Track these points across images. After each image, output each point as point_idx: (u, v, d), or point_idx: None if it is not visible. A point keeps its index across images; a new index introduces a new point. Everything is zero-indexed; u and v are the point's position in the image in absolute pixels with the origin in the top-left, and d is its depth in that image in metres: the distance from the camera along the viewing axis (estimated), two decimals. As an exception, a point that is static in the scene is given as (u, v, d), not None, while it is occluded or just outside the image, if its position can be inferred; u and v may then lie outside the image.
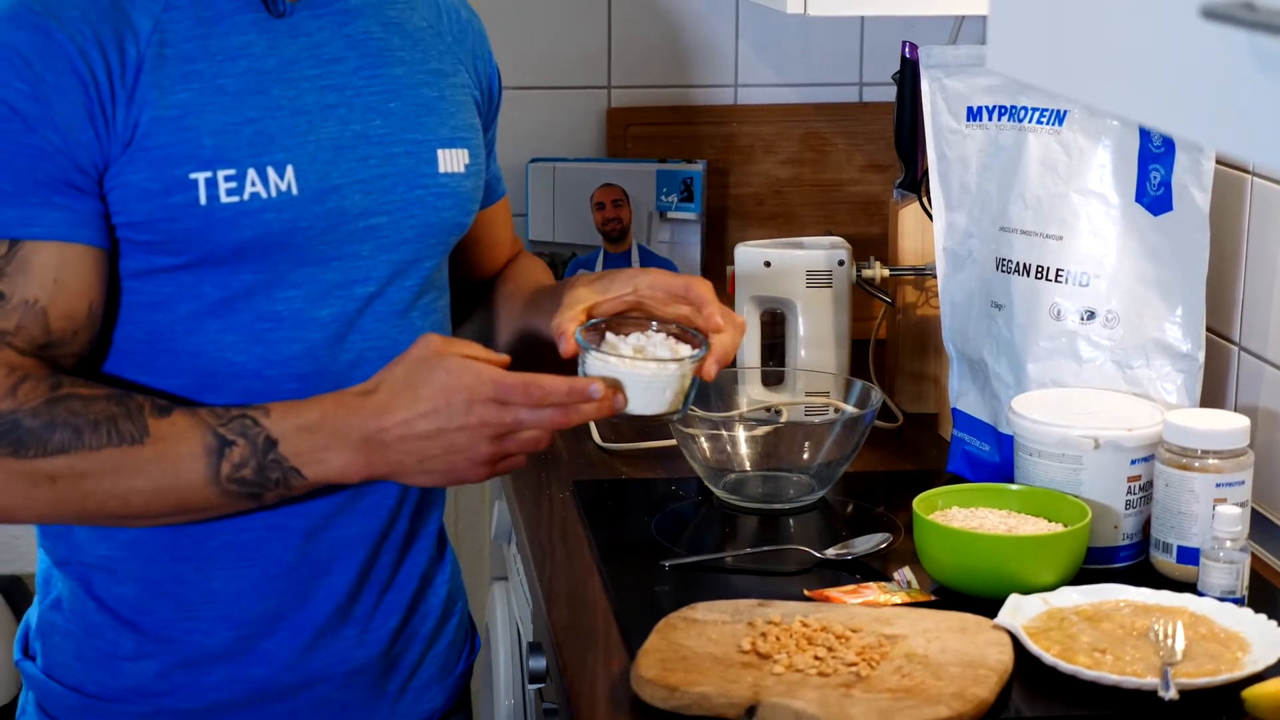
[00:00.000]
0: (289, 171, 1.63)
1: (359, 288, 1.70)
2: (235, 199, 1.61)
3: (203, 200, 1.60)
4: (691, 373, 1.69)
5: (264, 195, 1.62)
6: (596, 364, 1.66)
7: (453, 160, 1.76)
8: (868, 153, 2.86)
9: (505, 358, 1.60)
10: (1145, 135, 1.93)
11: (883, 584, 1.81)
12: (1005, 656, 1.62)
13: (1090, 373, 2.00)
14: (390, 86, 1.72)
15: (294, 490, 1.59)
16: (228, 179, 1.60)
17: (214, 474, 1.56)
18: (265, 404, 1.60)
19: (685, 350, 1.70)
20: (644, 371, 1.66)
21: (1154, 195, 1.95)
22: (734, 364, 2.26)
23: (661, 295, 1.75)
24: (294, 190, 1.63)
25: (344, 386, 1.67)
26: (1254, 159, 0.98)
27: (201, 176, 1.60)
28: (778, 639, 1.64)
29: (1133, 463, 1.85)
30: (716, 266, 2.73)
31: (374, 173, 1.69)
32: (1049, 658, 1.60)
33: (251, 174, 1.61)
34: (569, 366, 1.71)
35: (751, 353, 2.36)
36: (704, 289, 1.74)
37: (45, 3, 1.57)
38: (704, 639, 1.65)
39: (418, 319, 1.75)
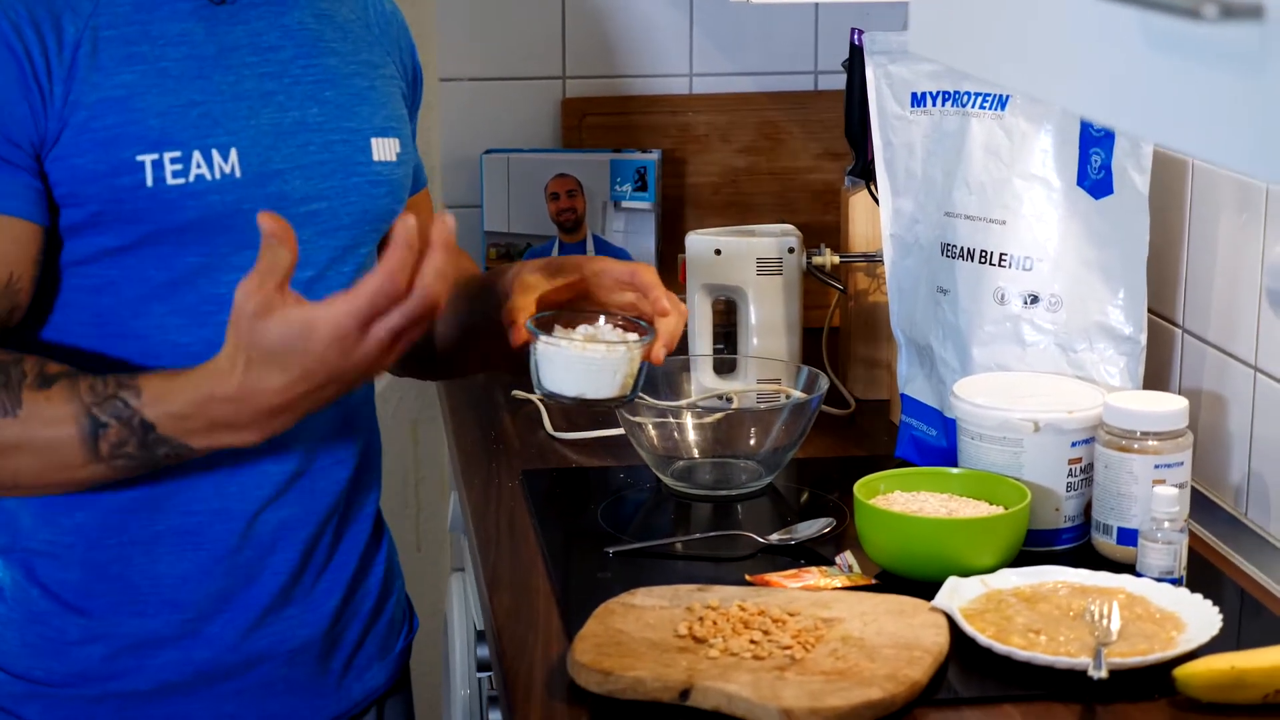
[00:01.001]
0: (233, 154, 1.64)
1: (299, 272, 1.68)
2: (181, 180, 1.62)
3: (149, 182, 1.61)
4: (640, 357, 1.72)
5: (209, 177, 1.63)
6: (548, 350, 1.69)
7: (385, 149, 1.77)
8: (823, 141, 2.86)
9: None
10: (1086, 120, 1.94)
11: (824, 568, 1.82)
12: (941, 638, 1.62)
13: (1034, 356, 2.00)
14: (325, 76, 1.74)
15: (196, 454, 1.58)
16: (173, 160, 1.61)
17: (93, 453, 1.55)
18: (138, 381, 1.56)
19: (633, 337, 1.72)
20: (595, 355, 1.70)
21: (1095, 179, 1.96)
22: (685, 352, 2.27)
23: (609, 282, 1.77)
24: (237, 173, 1.64)
25: None
26: (1149, 136, 0.99)
27: (148, 158, 1.60)
28: (714, 623, 1.65)
29: (1073, 445, 1.85)
30: (671, 256, 2.73)
31: (313, 159, 1.71)
32: (984, 639, 1.61)
33: (197, 156, 1.62)
34: (518, 356, 1.73)
35: (703, 341, 2.36)
36: (649, 275, 1.77)
37: None
38: (641, 624, 1.65)
39: None
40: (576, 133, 2.84)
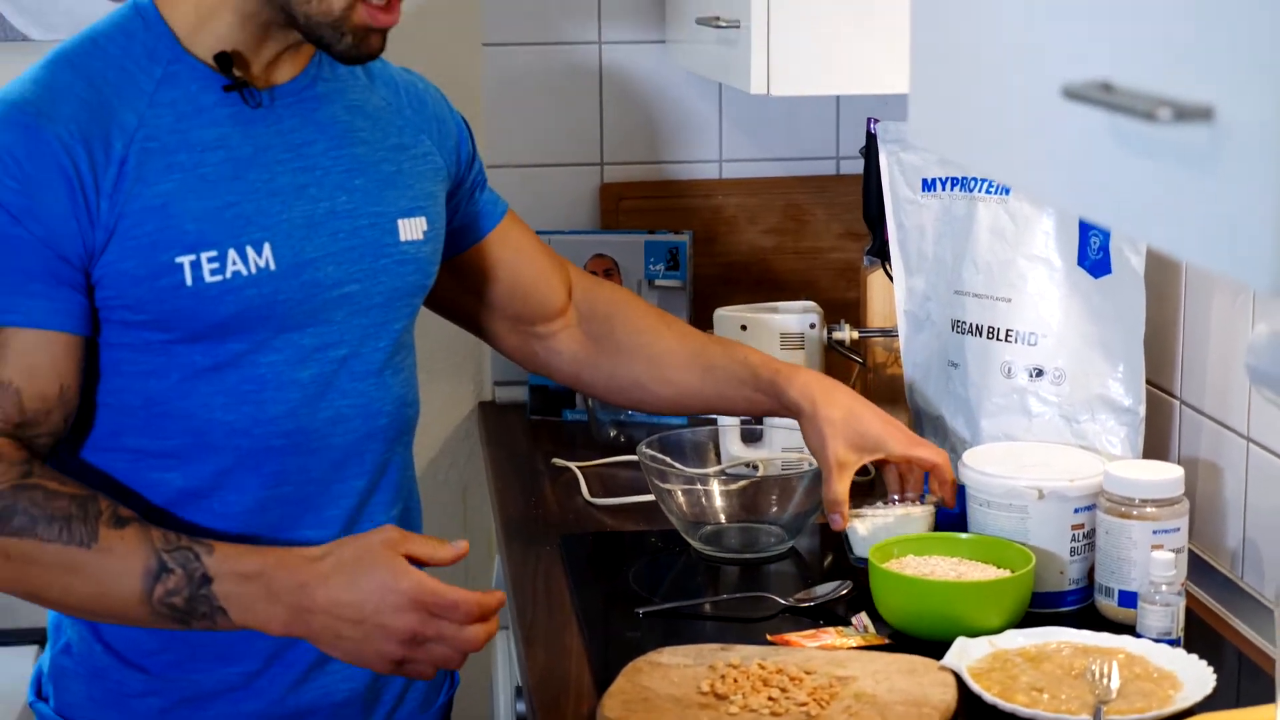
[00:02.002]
0: (266, 249, 1.65)
1: (334, 350, 1.71)
2: (219, 278, 1.62)
3: (189, 281, 1.61)
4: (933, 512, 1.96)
5: (245, 272, 1.63)
6: (866, 522, 1.94)
7: (412, 228, 1.78)
8: (844, 221, 2.85)
9: (462, 548, 1.59)
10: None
11: (840, 628, 1.81)
12: (949, 696, 1.61)
13: (1040, 427, 1.99)
14: (355, 164, 1.74)
15: (218, 627, 1.57)
16: (210, 260, 1.62)
17: (147, 594, 1.55)
18: (214, 541, 1.58)
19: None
20: (911, 516, 1.93)
21: (1094, 259, 1.95)
22: (714, 421, 2.27)
23: (916, 469, 1.96)
24: (272, 266, 1.65)
25: (328, 444, 1.70)
26: (1117, 228, 0.98)
27: (186, 260, 1.61)
28: (735, 681, 1.64)
29: (1075, 511, 1.84)
30: (704, 330, 2.73)
31: (343, 245, 1.71)
32: (989, 697, 1.60)
33: (232, 254, 1.63)
34: None
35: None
36: (949, 470, 1.94)
37: (38, 104, 1.59)
38: (666, 681, 1.65)
39: (389, 377, 1.77)
40: (614, 215, 2.85)
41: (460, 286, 1.97)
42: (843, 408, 1.91)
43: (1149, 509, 1.78)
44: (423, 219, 1.79)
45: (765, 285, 2.84)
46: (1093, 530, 1.84)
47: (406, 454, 1.83)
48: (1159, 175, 0.90)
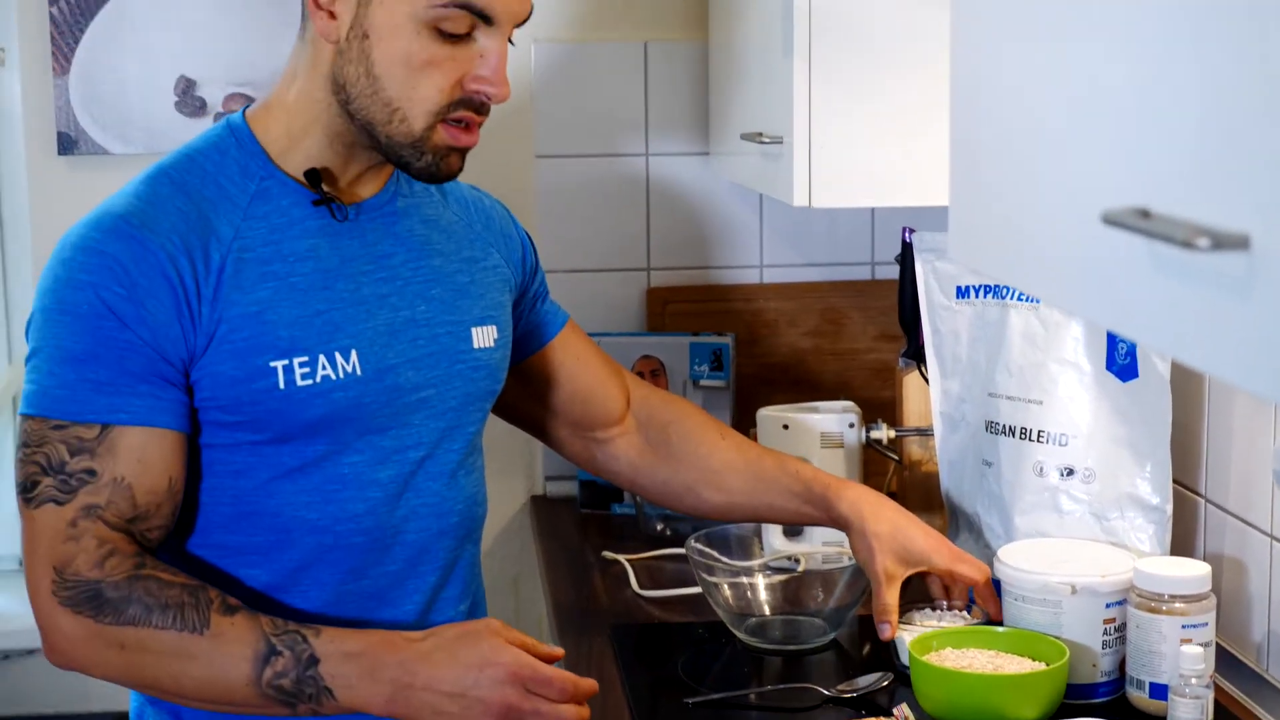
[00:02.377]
0: (353, 355, 1.68)
1: (412, 451, 1.74)
2: (309, 382, 1.65)
3: (281, 385, 1.64)
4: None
5: (333, 377, 1.66)
6: (909, 632, 1.93)
7: (484, 336, 1.81)
8: (880, 324, 2.87)
9: (558, 651, 1.62)
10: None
11: (882, 718, 1.82)
12: (988, 784, 1.62)
13: (1071, 524, 2.00)
14: (432, 275, 1.77)
15: (323, 710, 1.58)
16: (302, 365, 1.65)
17: (256, 677, 1.56)
18: (321, 626, 1.60)
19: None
20: (957, 622, 1.96)
21: (1122, 364, 1.97)
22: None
23: (959, 584, 1.98)
24: (358, 371, 1.68)
25: (402, 541, 1.73)
26: (1154, 347, 1.00)
27: (280, 364, 1.64)
28: (782, 769, 1.65)
29: (1107, 606, 1.85)
30: (743, 429, 2.74)
31: (422, 351, 1.74)
32: (1026, 785, 1.60)
33: (322, 359, 1.66)
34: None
35: (773, 507, 2.37)
36: (990, 586, 1.95)
37: (142, 217, 1.63)
38: (716, 769, 1.66)
39: (462, 477, 1.79)
40: (660, 318, 2.87)
41: (524, 392, 1.99)
42: (889, 522, 1.94)
43: (1178, 604, 1.79)
44: (494, 327, 1.82)
45: (804, 385, 2.86)
46: (1124, 624, 1.84)
47: (475, 550, 1.85)
48: (1196, 299, 0.92)
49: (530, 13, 1.68)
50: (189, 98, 2.77)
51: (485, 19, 1.63)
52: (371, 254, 1.73)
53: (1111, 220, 0.98)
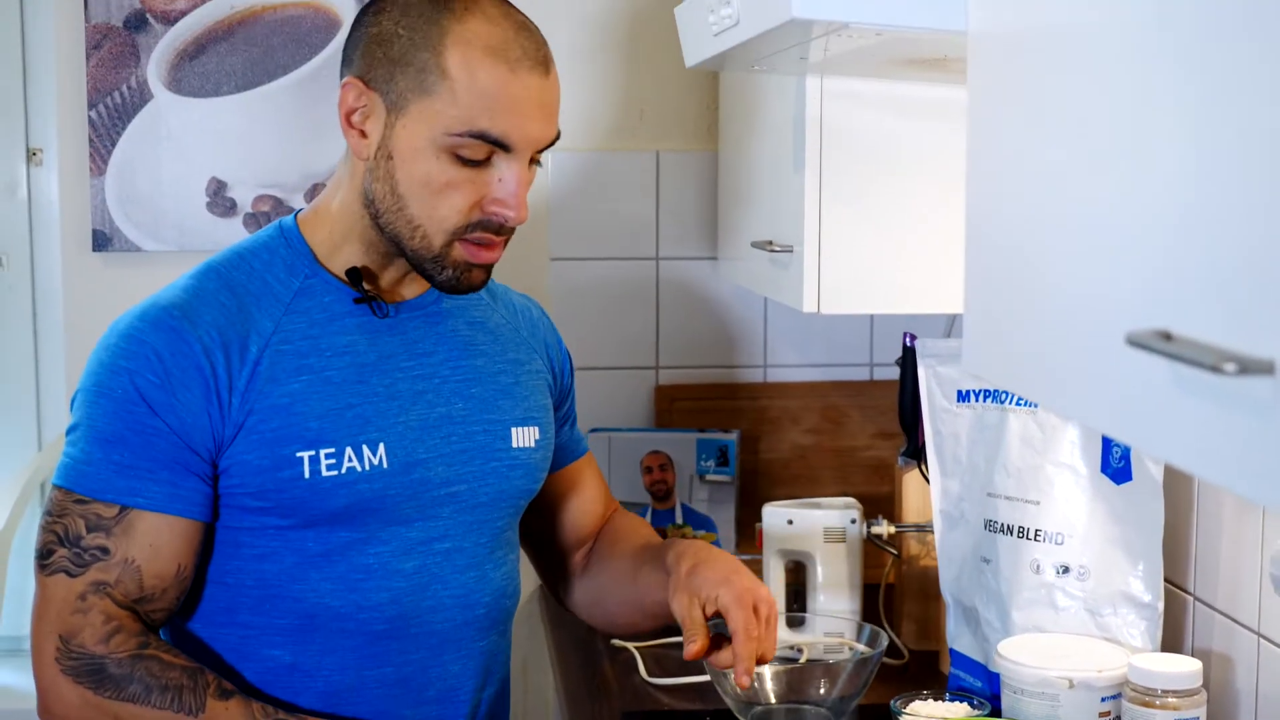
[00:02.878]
0: (381, 448, 1.68)
1: (439, 544, 1.74)
2: (334, 473, 1.65)
3: (306, 474, 1.65)
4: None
5: (359, 469, 1.66)
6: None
7: (525, 436, 1.80)
8: (878, 423, 2.88)
9: None
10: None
11: (887, 806, 1.81)
12: None
13: (1066, 619, 2.00)
14: (473, 375, 1.78)
15: None
16: (328, 456, 1.65)
17: None
18: (307, 714, 1.63)
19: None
20: (958, 713, 1.91)
21: (1116, 467, 1.98)
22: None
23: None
24: (385, 464, 1.68)
25: (427, 630, 1.72)
26: (1175, 463, 1.01)
27: (306, 455, 1.65)
28: None
29: (1103, 700, 1.84)
30: (749, 522, 2.75)
31: (455, 448, 1.74)
32: None
33: (349, 451, 1.66)
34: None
35: (777, 598, 2.37)
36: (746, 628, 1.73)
37: (185, 309, 1.64)
38: None
39: (491, 571, 1.79)
40: (667, 414, 2.88)
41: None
42: (691, 558, 1.76)
43: (1170, 699, 1.78)
44: (536, 429, 1.82)
45: (804, 480, 2.87)
46: (1119, 718, 1.84)
47: (502, 640, 1.85)
48: (1222, 421, 0.93)
49: (556, 138, 1.68)
50: (220, 198, 2.79)
51: (503, 147, 1.64)
52: (411, 351, 1.74)
53: (1135, 342, 0.99)
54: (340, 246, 1.71)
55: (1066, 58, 1.20)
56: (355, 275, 1.70)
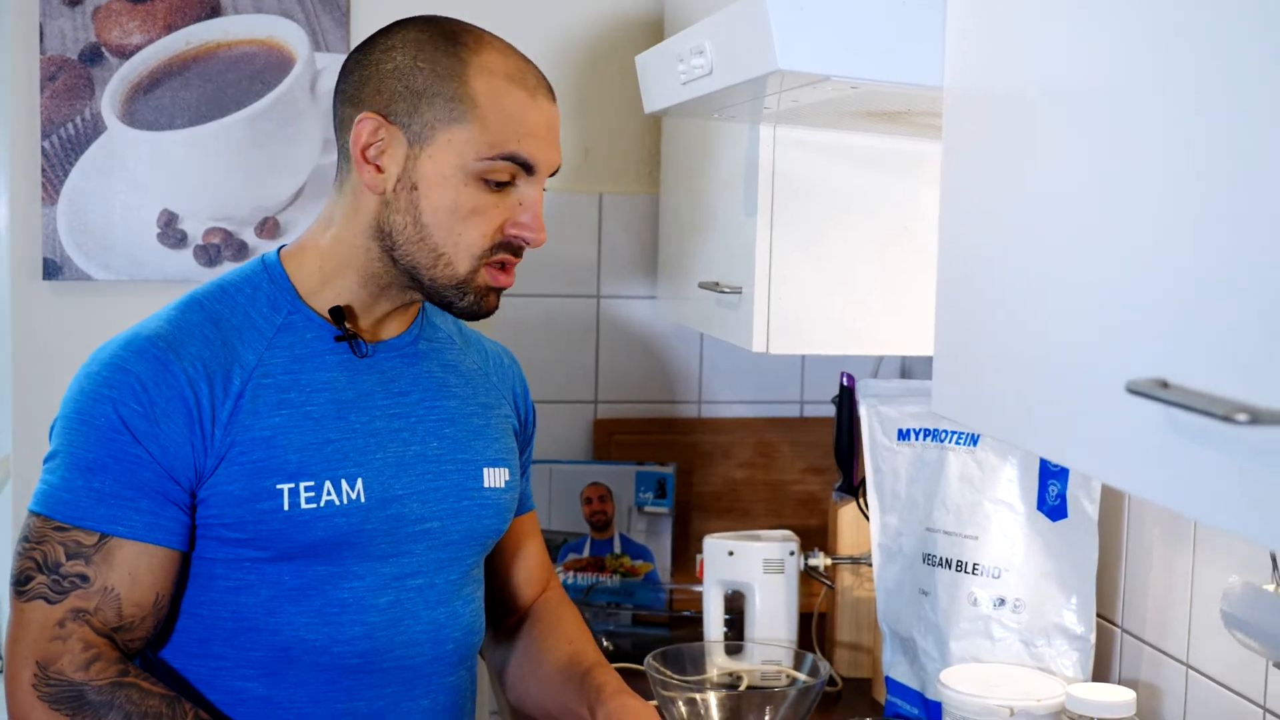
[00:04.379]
0: (359, 483, 1.65)
1: (412, 580, 1.71)
2: (313, 506, 1.63)
3: (285, 507, 1.62)
4: None
5: (337, 503, 1.64)
6: None
7: (495, 477, 1.79)
8: (808, 458, 2.89)
9: None
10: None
11: (836, 830, 1.81)
12: None
13: (1002, 650, 2.02)
14: (446, 416, 1.76)
15: None
16: (307, 489, 1.63)
17: None
18: None
19: None
20: None
21: (1052, 504, 2.00)
22: (701, 637, 2.28)
23: None
24: (362, 499, 1.65)
25: (399, 664, 1.68)
26: (1177, 509, 1.01)
27: (286, 487, 1.62)
28: None
29: (1042, 728, 1.86)
30: (685, 551, 2.75)
31: (429, 485, 1.72)
32: None
33: (328, 485, 1.64)
34: None
35: (716, 627, 2.36)
36: None
37: (169, 340, 1.62)
38: None
39: (460, 607, 1.76)
40: (606, 448, 2.87)
41: None
42: None
43: (1106, 727, 1.80)
44: (505, 470, 1.81)
45: (738, 512, 2.87)
46: (1056, 745, 1.85)
47: (469, 676, 1.81)
48: (1223, 467, 0.93)
49: (560, 164, 1.70)
50: (171, 230, 2.74)
51: (528, 169, 1.65)
52: (388, 390, 1.72)
53: (1138, 390, 0.99)
54: (330, 282, 1.69)
55: (1051, 108, 1.21)
56: (338, 314, 1.68)
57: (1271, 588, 1.41)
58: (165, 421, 1.58)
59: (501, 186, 1.64)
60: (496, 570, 1.95)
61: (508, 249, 1.67)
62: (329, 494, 1.63)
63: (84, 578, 1.57)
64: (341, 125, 1.68)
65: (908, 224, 2.09)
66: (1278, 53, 0.90)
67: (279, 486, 1.61)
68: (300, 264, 1.70)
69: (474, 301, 1.67)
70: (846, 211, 2.11)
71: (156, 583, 1.60)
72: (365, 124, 1.64)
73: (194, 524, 1.63)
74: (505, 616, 1.97)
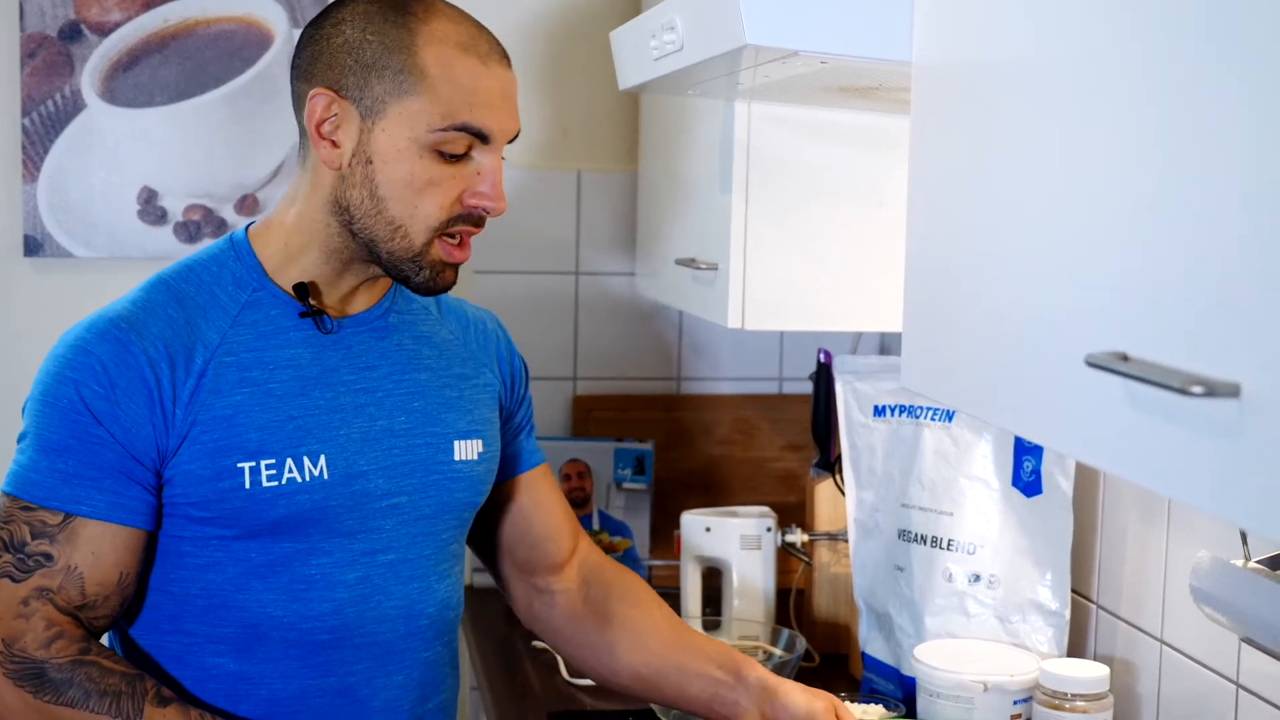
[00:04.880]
0: (321, 460, 1.64)
1: (382, 555, 1.69)
2: (274, 484, 1.61)
3: (247, 485, 1.60)
4: None
5: (299, 480, 1.62)
6: None
7: (467, 449, 1.76)
8: (786, 435, 2.89)
9: None
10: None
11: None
12: None
13: (977, 626, 2.01)
14: (416, 389, 1.73)
15: None
16: (268, 467, 1.61)
17: None
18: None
19: None
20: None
21: (1027, 481, 1.99)
22: (679, 613, 2.27)
23: None
24: (325, 475, 1.64)
25: (371, 640, 1.67)
26: (1139, 482, 1.00)
27: (247, 465, 1.60)
28: None
29: (1015, 703, 1.85)
30: (663, 528, 2.74)
31: (396, 460, 1.70)
32: None
33: (289, 462, 1.62)
34: None
35: (694, 602, 2.36)
36: None
37: (131, 321, 1.60)
38: None
39: (435, 582, 1.74)
40: (585, 424, 2.86)
41: (480, 517, 1.90)
42: (780, 683, 1.75)
43: (1079, 703, 1.80)
44: (479, 441, 1.77)
45: (716, 489, 2.86)
46: (1030, 718, 1.85)
47: (447, 650, 1.79)
48: (1183, 440, 0.93)
49: (519, 131, 1.67)
50: (151, 207, 2.73)
51: (483, 138, 1.62)
52: (354, 365, 1.70)
53: (1095, 364, 0.98)
54: (295, 258, 1.67)
55: (1017, 84, 1.20)
56: (302, 290, 1.67)
57: (1240, 563, 1.41)
58: (126, 402, 1.57)
59: (457, 158, 1.62)
60: (519, 530, 1.89)
61: (467, 220, 1.64)
62: (291, 471, 1.62)
63: (48, 556, 1.56)
64: (297, 102, 1.66)
65: (883, 200, 2.08)
66: (1228, 40, 0.89)
67: (240, 465, 1.60)
68: (266, 241, 1.69)
69: (429, 276, 1.64)
70: (822, 188, 2.10)
71: (120, 562, 1.59)
72: (318, 100, 1.62)
73: (160, 503, 1.62)
74: (545, 575, 1.90)
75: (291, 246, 1.67)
